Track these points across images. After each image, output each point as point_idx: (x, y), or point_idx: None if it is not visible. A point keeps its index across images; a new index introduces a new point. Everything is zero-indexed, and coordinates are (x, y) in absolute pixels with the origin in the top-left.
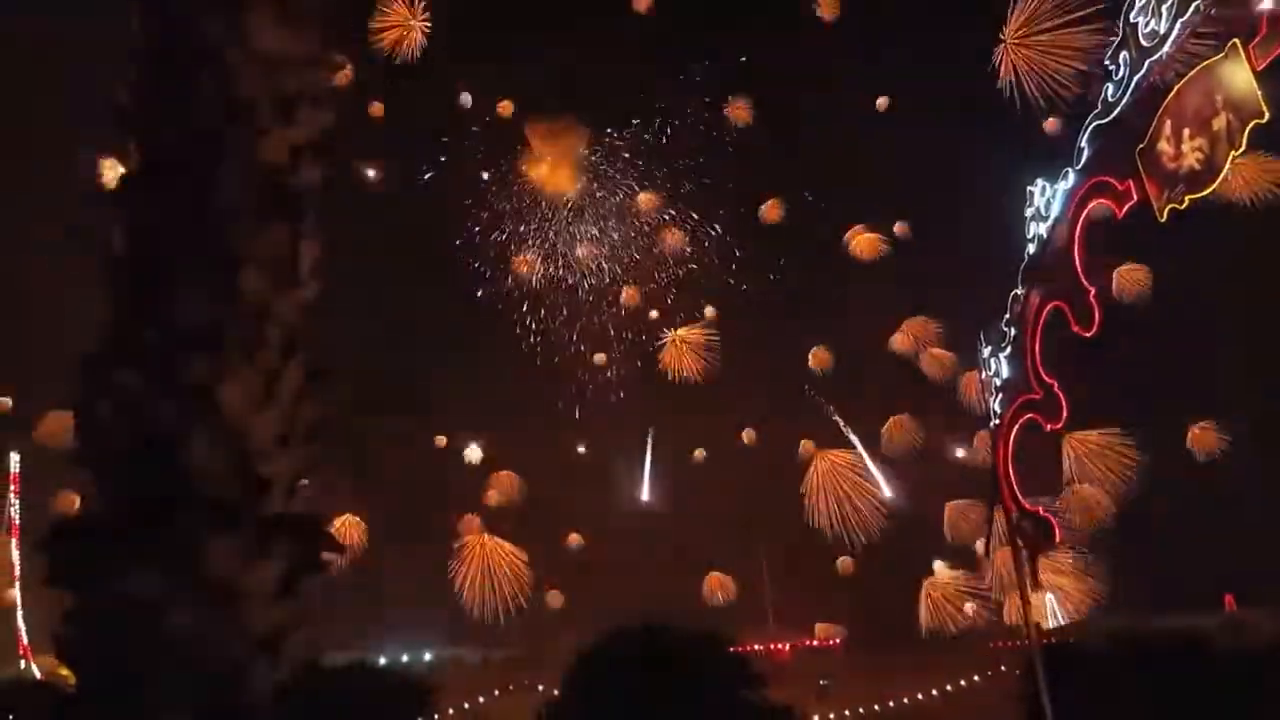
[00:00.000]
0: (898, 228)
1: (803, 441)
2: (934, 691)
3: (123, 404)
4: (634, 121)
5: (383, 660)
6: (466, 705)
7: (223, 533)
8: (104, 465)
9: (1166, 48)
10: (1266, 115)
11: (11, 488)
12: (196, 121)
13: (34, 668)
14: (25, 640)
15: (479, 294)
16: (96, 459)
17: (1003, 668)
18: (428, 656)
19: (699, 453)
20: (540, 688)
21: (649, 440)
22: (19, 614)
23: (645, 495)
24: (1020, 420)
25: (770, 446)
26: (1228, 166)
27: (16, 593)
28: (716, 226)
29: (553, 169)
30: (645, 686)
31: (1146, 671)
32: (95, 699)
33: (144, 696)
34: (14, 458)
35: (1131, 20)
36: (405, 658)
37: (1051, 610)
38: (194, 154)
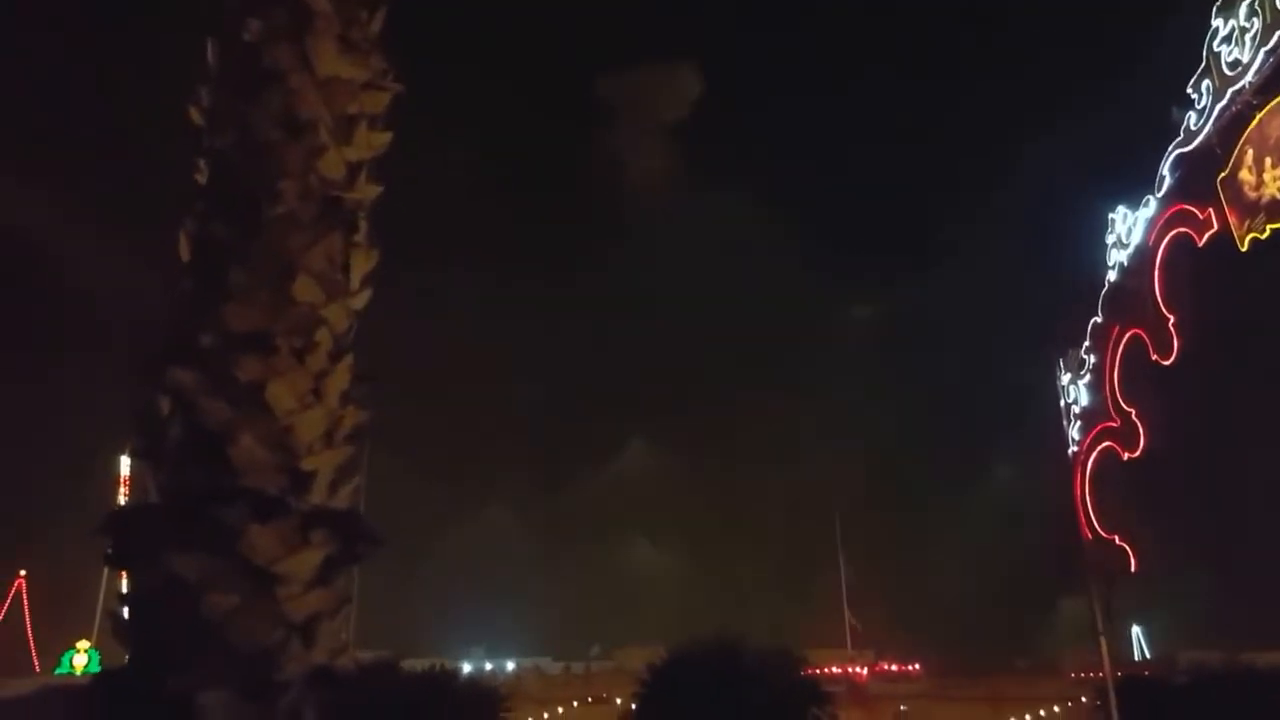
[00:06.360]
0: None
1: None
2: None
3: (179, 400)
4: None
5: (467, 667)
6: (546, 715)
7: (264, 521)
8: (159, 457)
9: (1249, 76)
10: None
11: (122, 489)
12: (260, 139)
13: None
14: None
15: None
16: (152, 451)
17: (1084, 699)
18: (510, 665)
19: None
20: (619, 700)
21: None
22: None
23: None
24: (1098, 448)
25: None
26: None
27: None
28: None
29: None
30: (717, 700)
31: (1226, 707)
32: (141, 672)
33: (186, 671)
34: (124, 461)
35: (1215, 49)
36: (489, 666)
37: (1139, 643)
38: (256, 169)
